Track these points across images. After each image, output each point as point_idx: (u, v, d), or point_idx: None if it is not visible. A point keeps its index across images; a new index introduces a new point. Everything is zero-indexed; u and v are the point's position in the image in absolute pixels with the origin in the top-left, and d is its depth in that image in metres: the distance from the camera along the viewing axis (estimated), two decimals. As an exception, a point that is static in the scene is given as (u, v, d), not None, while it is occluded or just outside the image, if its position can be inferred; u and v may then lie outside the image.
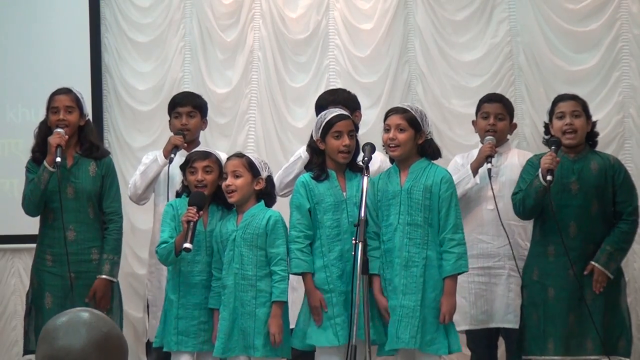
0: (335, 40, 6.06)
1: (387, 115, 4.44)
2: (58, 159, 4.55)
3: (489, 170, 4.79)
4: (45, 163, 4.61)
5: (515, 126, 5.11)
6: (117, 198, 4.83)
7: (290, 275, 4.38)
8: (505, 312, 4.81)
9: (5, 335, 6.19)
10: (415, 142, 4.38)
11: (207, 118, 5.22)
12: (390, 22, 5.98)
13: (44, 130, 4.75)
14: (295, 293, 4.62)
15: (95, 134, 4.97)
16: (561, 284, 4.56)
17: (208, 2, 6.12)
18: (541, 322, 4.58)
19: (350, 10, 6.06)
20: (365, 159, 4.21)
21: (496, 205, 4.76)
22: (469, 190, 4.84)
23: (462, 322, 4.82)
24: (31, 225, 5.01)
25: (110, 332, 2.05)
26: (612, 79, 5.80)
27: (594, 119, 4.76)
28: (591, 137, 4.73)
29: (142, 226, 5.77)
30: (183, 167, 4.56)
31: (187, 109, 5.07)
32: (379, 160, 4.78)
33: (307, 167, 4.49)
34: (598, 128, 4.80)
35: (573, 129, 4.63)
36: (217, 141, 5.95)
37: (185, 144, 4.94)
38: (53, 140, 4.60)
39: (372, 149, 4.29)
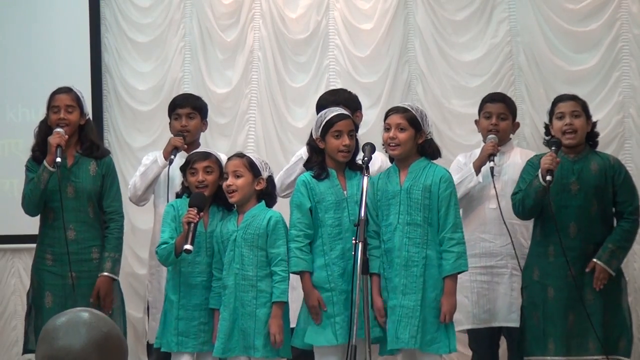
0: (335, 40, 6.06)
1: (388, 114, 4.45)
2: (58, 159, 4.55)
3: (492, 168, 4.79)
4: (45, 163, 4.61)
5: (518, 125, 5.11)
6: (117, 197, 4.83)
7: (290, 274, 4.38)
8: (509, 311, 4.80)
9: (5, 335, 6.19)
10: (415, 141, 4.38)
11: (207, 118, 5.22)
12: (390, 22, 5.98)
13: (44, 129, 4.75)
14: (295, 292, 4.62)
15: (96, 133, 4.97)
16: (561, 284, 4.56)
17: (208, 2, 6.12)
18: (541, 322, 4.58)
19: (350, 10, 6.06)
20: (365, 159, 4.22)
21: (499, 204, 4.76)
22: (472, 189, 4.84)
23: (464, 321, 4.83)
24: (31, 225, 5.01)
25: (110, 332, 2.05)
26: (612, 79, 5.80)
27: (594, 119, 4.77)
28: (591, 137, 4.73)
29: (143, 226, 5.77)
30: (183, 168, 4.56)
31: (187, 110, 5.07)
32: (380, 160, 4.78)
33: (307, 165, 4.49)
34: (598, 128, 4.80)
35: (573, 129, 4.63)
36: (217, 141, 5.95)
37: (186, 146, 4.94)
38: (53, 140, 4.60)
39: (372, 149, 4.29)
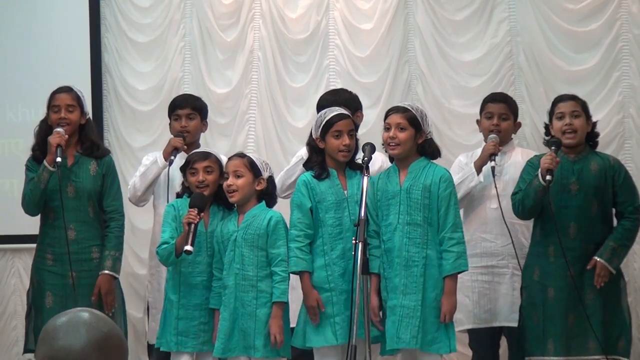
0: (335, 40, 6.06)
1: (388, 114, 4.45)
2: (58, 159, 4.55)
3: (493, 168, 4.79)
4: (45, 162, 4.61)
5: (519, 125, 5.11)
6: (118, 197, 4.83)
7: (290, 274, 4.38)
8: (510, 311, 4.80)
9: (5, 335, 6.19)
10: (415, 141, 4.38)
11: (207, 118, 5.22)
12: (390, 22, 5.98)
13: (45, 128, 4.75)
14: (295, 292, 4.62)
15: (96, 133, 4.97)
16: (561, 284, 4.56)
17: (208, 2, 6.12)
18: (540, 322, 4.58)
19: (350, 10, 6.05)
20: (365, 159, 4.22)
21: (499, 204, 4.76)
22: (473, 188, 4.84)
23: (465, 321, 4.83)
24: (31, 225, 5.01)
25: (111, 332, 2.05)
26: (612, 79, 5.80)
27: (594, 119, 4.77)
28: (591, 137, 4.73)
29: (143, 226, 5.77)
30: (183, 169, 4.56)
31: (187, 111, 5.07)
32: (380, 160, 4.78)
33: (307, 165, 4.49)
34: (598, 128, 4.80)
35: (573, 129, 4.63)
36: (217, 141, 5.95)
37: (185, 147, 4.94)
38: (53, 139, 4.60)
39: (372, 149, 4.29)
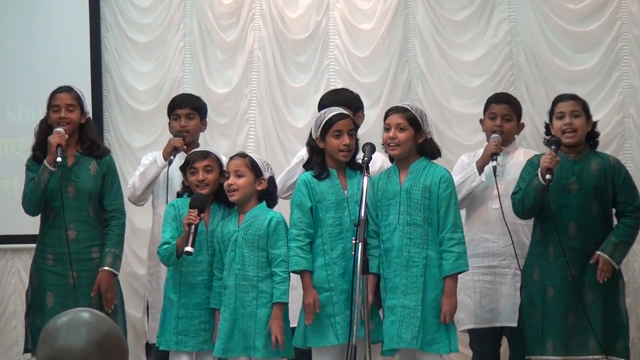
0: (335, 40, 6.06)
1: (387, 114, 4.44)
2: (59, 159, 4.55)
3: (494, 168, 4.78)
4: (45, 162, 4.61)
5: (522, 126, 5.10)
6: (118, 196, 4.83)
7: (291, 274, 4.38)
8: (512, 311, 4.79)
9: (5, 335, 6.20)
10: (415, 141, 4.38)
11: (207, 118, 5.22)
12: (390, 22, 5.98)
13: (45, 128, 4.75)
14: (295, 292, 4.62)
15: (96, 132, 4.97)
16: (561, 284, 4.56)
17: (208, 2, 6.12)
18: (539, 322, 4.58)
19: (350, 10, 6.06)
20: (365, 159, 4.21)
21: (500, 204, 4.76)
22: (475, 188, 4.84)
23: (466, 321, 4.83)
24: (31, 225, 5.01)
25: (111, 332, 2.05)
26: (612, 79, 5.80)
27: (594, 119, 4.77)
28: (592, 137, 4.73)
29: (143, 226, 5.77)
30: (183, 168, 4.56)
31: (186, 110, 5.07)
32: (380, 160, 4.78)
33: (307, 165, 4.49)
34: (598, 128, 4.80)
35: (573, 128, 4.63)
36: (217, 141, 5.95)
37: (185, 146, 4.94)
38: (53, 139, 4.60)
39: (372, 149, 4.29)
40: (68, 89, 4.77)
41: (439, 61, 5.95)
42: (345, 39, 6.04)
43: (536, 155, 4.76)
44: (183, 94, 5.42)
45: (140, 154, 5.56)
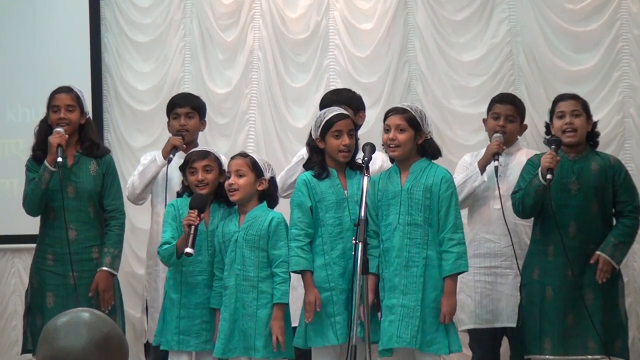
0: (335, 40, 6.06)
1: (387, 115, 4.44)
2: (59, 159, 4.55)
3: (496, 168, 4.78)
4: (46, 162, 4.61)
5: (525, 127, 5.09)
6: (118, 196, 4.83)
7: (291, 274, 4.38)
8: (512, 312, 4.78)
9: (5, 335, 6.20)
10: (415, 142, 4.37)
11: (207, 118, 5.22)
12: (390, 22, 5.98)
13: (45, 128, 4.75)
14: (295, 292, 4.62)
15: (96, 132, 4.97)
16: (559, 283, 4.56)
17: (208, 2, 6.13)
18: (538, 321, 4.58)
19: (350, 10, 6.06)
20: (365, 159, 4.21)
21: (502, 204, 4.75)
22: (477, 188, 4.83)
23: (467, 321, 4.83)
24: (31, 225, 5.01)
25: (111, 332, 2.05)
26: (612, 79, 5.80)
27: (594, 119, 4.77)
28: (592, 137, 4.73)
29: (142, 226, 5.77)
30: (183, 168, 4.56)
31: (186, 110, 5.07)
32: (381, 160, 4.78)
33: (307, 165, 4.49)
34: (598, 128, 4.80)
35: (573, 128, 4.63)
36: (217, 141, 5.95)
37: (184, 145, 4.94)
38: (53, 140, 4.60)
39: (372, 149, 4.28)
40: (68, 90, 4.77)
41: (439, 61, 5.95)
42: (345, 39, 6.04)
43: (536, 154, 4.75)
44: (182, 93, 5.43)
45: (140, 154, 5.56)
